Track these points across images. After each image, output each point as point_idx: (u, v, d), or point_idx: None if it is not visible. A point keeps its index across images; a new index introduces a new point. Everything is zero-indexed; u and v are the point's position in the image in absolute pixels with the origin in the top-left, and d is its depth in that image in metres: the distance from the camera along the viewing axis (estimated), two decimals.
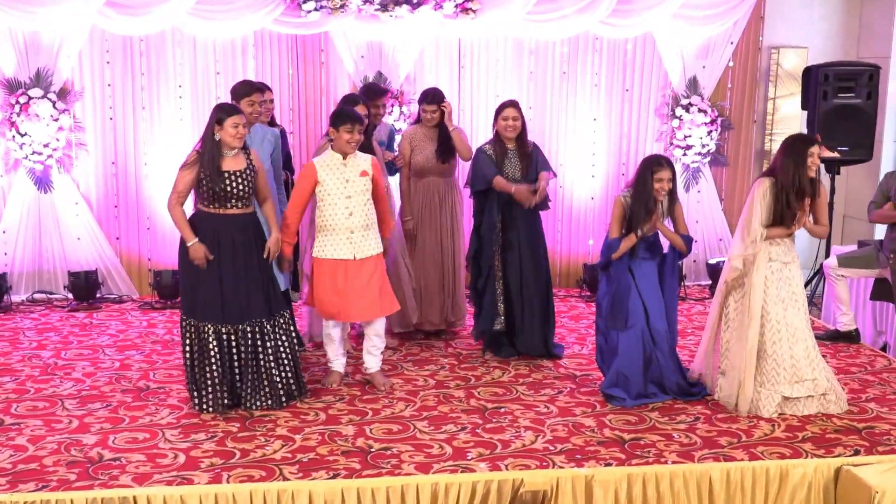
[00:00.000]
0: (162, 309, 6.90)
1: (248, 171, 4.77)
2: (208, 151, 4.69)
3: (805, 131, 7.25)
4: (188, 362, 4.80)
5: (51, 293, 7.19)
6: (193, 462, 4.16)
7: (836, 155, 7.04)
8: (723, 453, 4.33)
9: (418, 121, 6.06)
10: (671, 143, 7.74)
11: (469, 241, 5.86)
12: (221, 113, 4.69)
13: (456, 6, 7.05)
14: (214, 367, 4.73)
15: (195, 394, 4.79)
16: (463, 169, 6.07)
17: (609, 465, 4.18)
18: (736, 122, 7.90)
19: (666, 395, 5.02)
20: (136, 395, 5.05)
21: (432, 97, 5.92)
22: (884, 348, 6.24)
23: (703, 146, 7.76)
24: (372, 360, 5.25)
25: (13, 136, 6.92)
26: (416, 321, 6.08)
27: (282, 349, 4.86)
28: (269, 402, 4.81)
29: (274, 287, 4.94)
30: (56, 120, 6.93)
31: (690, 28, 7.56)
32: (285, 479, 3.99)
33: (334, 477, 4.01)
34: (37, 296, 7.17)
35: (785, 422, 4.72)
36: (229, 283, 4.74)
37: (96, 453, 4.24)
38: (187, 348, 4.79)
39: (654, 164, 4.95)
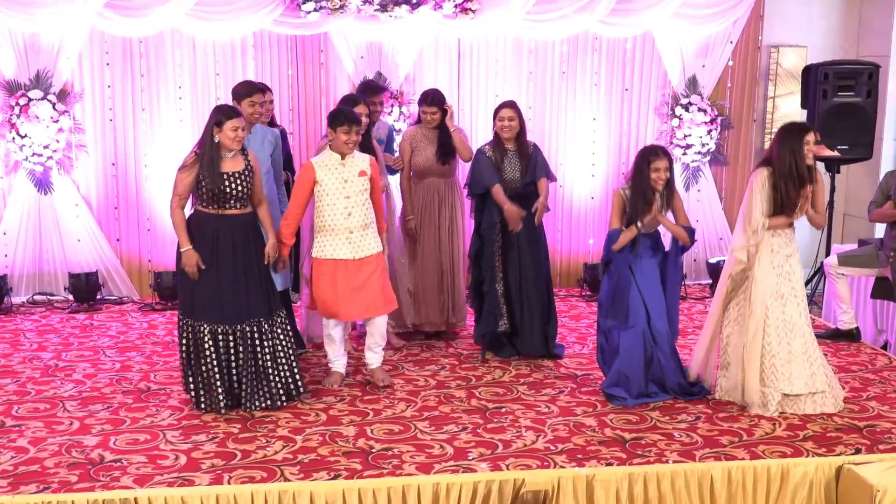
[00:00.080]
0: (162, 310, 6.90)
1: (246, 172, 4.78)
2: (207, 153, 4.70)
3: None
4: (185, 362, 4.81)
5: (51, 295, 7.19)
6: (194, 463, 4.16)
7: (835, 153, 7.04)
8: (724, 452, 4.33)
9: (418, 122, 6.06)
10: (671, 143, 7.73)
11: (470, 241, 5.86)
12: (221, 115, 4.70)
13: (455, 6, 7.05)
14: (212, 367, 4.73)
15: (192, 394, 4.81)
16: (464, 169, 6.07)
17: (610, 464, 4.18)
18: (736, 121, 7.90)
19: (667, 395, 5.02)
20: (137, 396, 5.05)
21: (432, 99, 5.92)
22: (884, 346, 6.24)
23: (703, 145, 7.77)
24: (373, 357, 5.27)
25: (13, 138, 6.92)
26: (410, 323, 6.08)
27: (280, 349, 4.86)
28: (269, 402, 4.82)
29: (272, 287, 4.95)
30: (56, 121, 6.93)
31: (690, 27, 7.56)
32: (286, 479, 3.99)
33: (335, 478, 4.01)
34: (37, 297, 7.17)
35: (786, 421, 4.72)
36: (228, 283, 4.75)
37: (97, 455, 4.24)
38: (184, 348, 4.80)
39: (650, 154, 4.95)
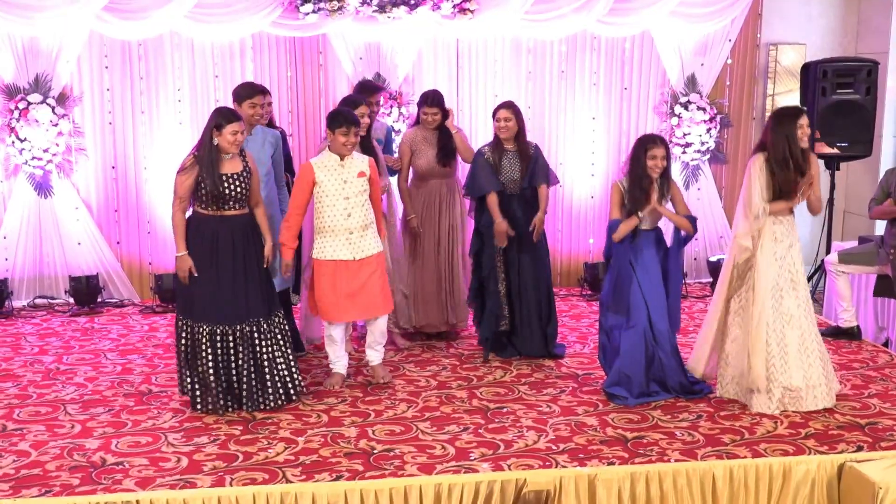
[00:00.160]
0: (163, 313, 6.90)
1: (245, 174, 4.80)
2: (206, 155, 4.70)
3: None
4: (183, 363, 4.83)
5: (52, 298, 7.19)
6: (196, 465, 4.16)
7: (835, 151, 7.04)
8: (726, 451, 4.33)
9: (416, 123, 6.06)
10: (671, 142, 7.73)
11: (471, 241, 5.86)
12: (221, 118, 4.71)
13: (453, 7, 7.06)
14: (209, 367, 4.74)
15: (190, 394, 4.82)
16: (464, 170, 6.07)
17: (612, 463, 4.18)
18: (735, 119, 7.90)
19: (668, 394, 5.02)
20: (139, 398, 5.05)
21: (433, 99, 5.92)
22: (886, 344, 6.23)
23: (703, 144, 7.77)
24: (374, 354, 5.29)
25: (13, 142, 6.92)
26: (402, 325, 6.06)
27: (278, 349, 4.88)
28: (269, 403, 4.83)
29: (271, 287, 4.97)
30: (55, 125, 6.94)
31: (688, 26, 7.56)
32: (288, 481, 3.99)
33: (337, 479, 4.01)
34: (38, 301, 7.18)
35: (788, 419, 4.72)
36: (228, 283, 4.76)
37: (99, 458, 4.24)
38: (183, 348, 4.81)
39: (648, 142, 4.95)
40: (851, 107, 6.99)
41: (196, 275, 4.75)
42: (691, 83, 7.73)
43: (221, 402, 4.76)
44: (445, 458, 4.23)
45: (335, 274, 5.04)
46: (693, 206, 7.72)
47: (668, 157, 4.96)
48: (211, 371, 4.74)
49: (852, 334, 6.09)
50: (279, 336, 4.90)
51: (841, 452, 4.29)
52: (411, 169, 6.04)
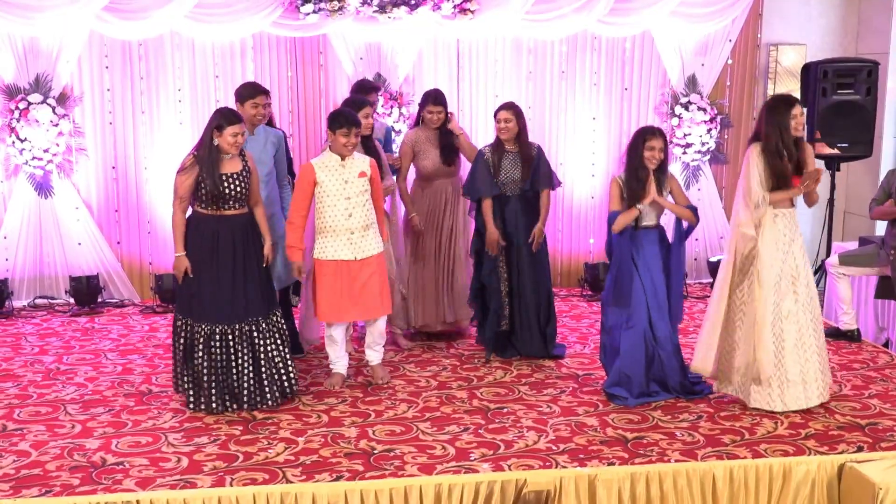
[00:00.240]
0: (164, 313, 6.90)
1: (244, 173, 4.82)
2: (207, 155, 4.72)
3: (805, 128, 7.24)
4: (180, 361, 4.85)
5: (52, 298, 7.19)
6: (196, 465, 4.16)
7: (835, 151, 7.04)
8: (726, 451, 4.33)
9: (417, 124, 6.06)
10: (671, 142, 7.73)
11: (472, 241, 5.86)
12: (222, 120, 4.72)
13: (454, 7, 7.06)
14: (205, 366, 4.75)
15: (184, 392, 4.85)
16: (466, 169, 6.07)
17: (612, 464, 4.18)
18: (735, 119, 7.90)
19: (669, 394, 5.02)
20: (139, 399, 5.05)
21: (437, 98, 5.92)
22: (886, 344, 6.24)
23: (703, 144, 7.77)
24: (374, 355, 5.30)
25: (13, 142, 6.92)
26: (400, 327, 6.07)
27: (275, 348, 4.89)
28: (269, 401, 4.84)
29: (270, 286, 4.98)
30: (56, 125, 6.94)
31: (689, 26, 7.56)
32: (288, 481, 3.99)
33: (337, 479, 4.01)
34: (38, 301, 7.18)
35: (788, 419, 4.72)
36: (228, 283, 4.77)
37: (99, 458, 4.24)
38: (181, 347, 4.83)
39: (646, 133, 4.94)
40: (852, 107, 6.99)
41: (192, 276, 4.76)
42: (692, 83, 7.73)
43: (215, 402, 4.76)
44: (446, 459, 4.23)
45: (336, 274, 5.04)
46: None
47: (665, 149, 4.96)
48: (205, 370, 4.75)
49: (852, 337, 6.09)
50: (277, 335, 4.91)
51: (841, 453, 4.29)
52: (416, 170, 6.04)
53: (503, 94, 7.44)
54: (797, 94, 7.41)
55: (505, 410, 4.87)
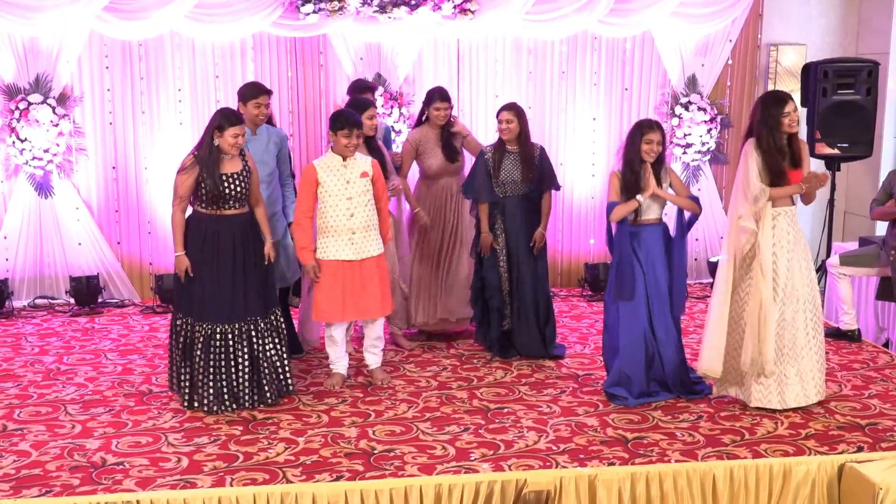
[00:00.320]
0: (164, 313, 6.89)
1: (244, 173, 4.82)
2: (207, 155, 4.72)
3: (805, 128, 7.24)
4: (178, 360, 4.87)
5: (52, 298, 7.19)
6: (196, 466, 4.16)
7: (835, 152, 7.04)
8: (726, 451, 4.33)
9: (419, 123, 6.06)
10: (671, 142, 7.73)
11: (473, 240, 5.87)
12: (223, 120, 4.73)
13: (454, 7, 7.06)
14: (201, 366, 4.76)
15: (177, 389, 4.89)
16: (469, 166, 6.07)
17: (612, 464, 4.18)
18: (735, 119, 7.90)
19: (669, 393, 5.01)
20: (139, 399, 5.05)
21: (442, 94, 5.93)
22: (886, 345, 6.24)
23: (703, 144, 7.77)
24: (373, 358, 5.30)
25: (13, 142, 6.92)
26: (400, 325, 6.07)
27: (273, 346, 4.91)
28: (268, 400, 4.87)
29: (269, 285, 4.99)
30: (56, 125, 6.94)
31: (689, 26, 7.56)
32: (289, 481, 3.99)
33: (338, 479, 4.01)
34: (38, 301, 7.18)
35: (788, 419, 4.72)
36: (228, 283, 4.79)
37: (99, 458, 4.24)
38: (180, 346, 4.84)
39: (644, 126, 4.92)
40: (852, 107, 6.98)
41: (192, 275, 4.77)
42: (692, 84, 7.73)
43: (213, 401, 4.77)
44: (446, 459, 4.23)
45: (336, 274, 5.04)
46: None
47: (663, 142, 4.94)
48: (202, 369, 4.76)
49: (852, 337, 6.08)
50: (276, 334, 4.93)
51: (841, 453, 4.29)
52: (420, 169, 6.06)
53: (503, 95, 7.44)
54: (797, 95, 7.43)
55: (505, 410, 4.87)
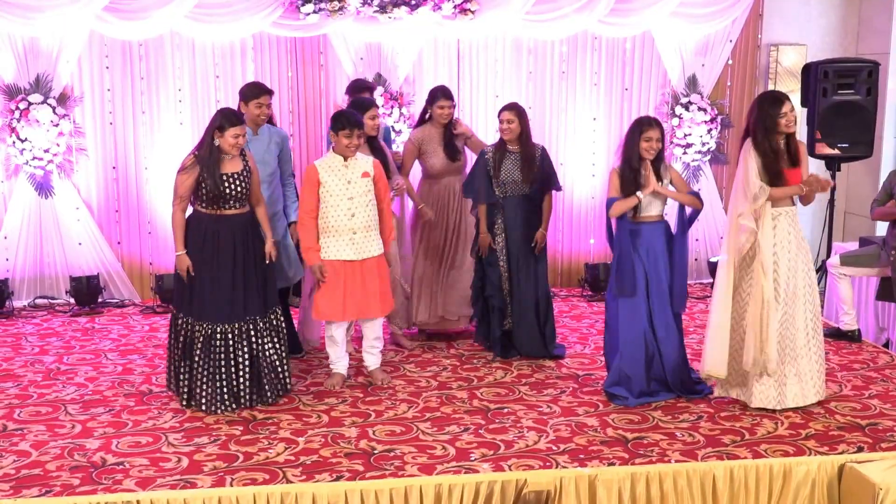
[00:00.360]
0: (164, 313, 6.89)
1: (245, 173, 4.83)
2: (208, 155, 4.73)
3: (805, 128, 7.24)
4: (177, 359, 4.88)
5: (52, 298, 7.19)
6: (197, 466, 4.16)
7: (835, 152, 7.04)
8: (726, 451, 4.33)
9: (421, 123, 6.06)
10: (671, 142, 7.73)
11: (473, 239, 5.88)
12: (224, 121, 4.73)
13: (454, 7, 7.06)
14: (199, 365, 4.77)
15: (174, 389, 4.91)
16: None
17: (612, 464, 4.18)
18: (736, 119, 7.90)
19: (670, 393, 5.01)
20: (139, 399, 5.05)
21: (446, 93, 5.95)
22: (886, 345, 6.24)
23: (703, 144, 7.77)
24: (372, 359, 5.31)
25: (13, 142, 6.92)
26: (401, 325, 6.07)
27: (272, 345, 4.92)
28: (268, 398, 4.88)
29: (269, 284, 4.99)
30: (56, 125, 6.94)
31: (689, 26, 7.56)
32: (289, 481, 3.99)
33: (338, 479, 4.01)
34: (38, 301, 7.18)
35: (788, 419, 4.72)
36: (228, 282, 4.80)
37: (99, 458, 4.24)
38: (180, 345, 4.85)
39: (643, 124, 4.91)
40: (852, 108, 6.98)
41: (193, 274, 4.77)
42: (692, 84, 7.73)
43: (212, 400, 4.77)
44: (446, 459, 4.23)
45: (338, 274, 5.05)
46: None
47: (662, 139, 4.94)
48: (201, 368, 4.78)
49: (853, 337, 6.08)
50: (275, 333, 4.94)
51: (841, 453, 4.29)
52: (423, 168, 6.06)
53: (503, 95, 7.44)
54: (798, 95, 7.43)
55: (505, 411, 4.87)
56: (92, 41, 7.05)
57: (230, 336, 4.80)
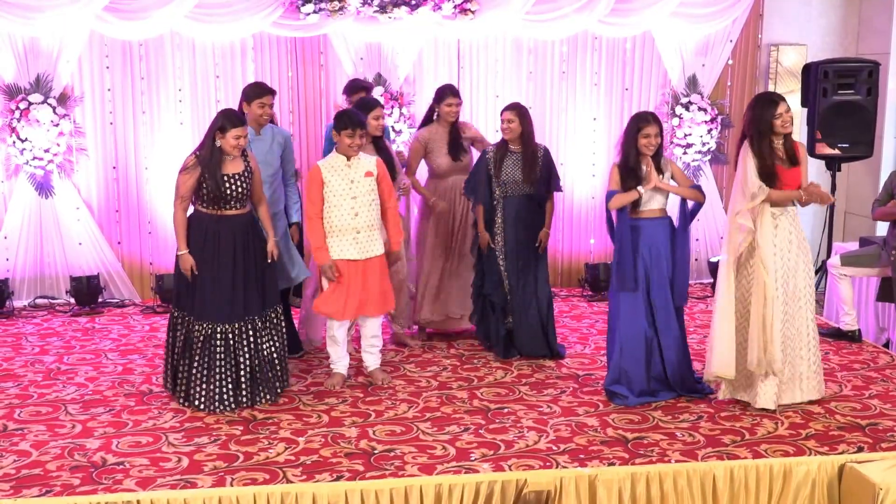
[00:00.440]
0: (164, 313, 6.88)
1: (246, 174, 4.83)
2: (209, 156, 4.73)
3: (805, 128, 7.25)
4: (177, 356, 4.89)
5: (53, 298, 7.19)
6: (197, 465, 4.16)
7: (836, 152, 7.04)
8: (726, 451, 4.33)
9: (427, 122, 6.06)
10: (671, 142, 7.73)
11: (473, 238, 5.88)
12: (226, 122, 4.74)
13: (454, 7, 7.06)
14: (196, 364, 4.78)
15: (170, 387, 4.94)
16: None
17: (612, 464, 4.18)
18: (736, 120, 7.88)
19: (671, 392, 5.00)
20: (139, 398, 5.05)
21: (453, 90, 5.97)
22: (886, 345, 6.23)
23: (704, 144, 7.77)
24: (371, 359, 5.31)
25: (14, 142, 6.92)
26: (403, 324, 6.07)
27: (271, 344, 4.94)
28: (268, 397, 4.90)
29: (269, 284, 4.99)
30: (56, 125, 6.94)
31: (689, 26, 7.56)
32: (289, 481, 3.99)
33: (338, 479, 4.01)
34: (39, 301, 7.17)
35: (788, 419, 4.72)
36: (228, 283, 4.81)
37: (100, 458, 4.24)
38: (179, 344, 4.86)
39: (641, 121, 4.91)
40: (852, 108, 6.98)
41: (197, 273, 4.78)
42: (692, 84, 7.73)
43: (211, 399, 4.78)
44: (446, 459, 4.23)
45: (342, 273, 5.05)
46: None
47: (661, 134, 4.93)
48: (199, 368, 4.78)
49: (853, 338, 6.08)
50: (274, 332, 4.96)
51: (841, 453, 4.29)
52: (429, 168, 6.08)
53: (503, 95, 7.44)
54: (798, 95, 7.43)
55: (505, 411, 4.87)
56: (92, 41, 7.05)
57: (230, 336, 4.80)
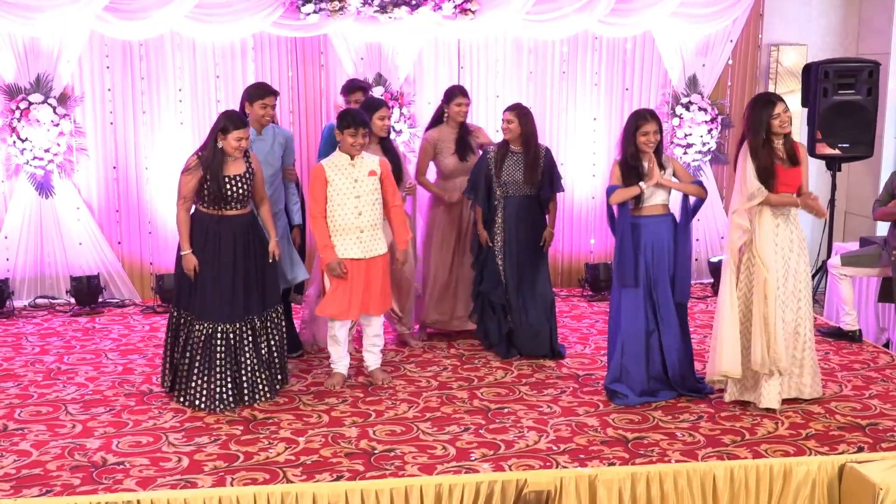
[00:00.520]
0: (164, 313, 6.88)
1: (247, 175, 4.84)
2: (211, 157, 4.74)
3: (805, 128, 7.25)
4: (177, 356, 4.89)
5: (53, 298, 7.19)
6: (197, 465, 4.16)
7: (836, 152, 7.04)
8: (726, 451, 4.33)
9: (435, 123, 6.06)
10: (671, 142, 7.73)
11: (473, 238, 5.89)
12: (228, 123, 4.74)
13: (455, 7, 7.06)
14: (203, 364, 4.79)
15: (168, 386, 4.96)
16: None
17: (613, 464, 4.18)
18: (736, 120, 7.88)
19: (671, 391, 5.00)
20: (140, 398, 5.05)
21: (463, 90, 5.98)
22: (886, 345, 6.23)
23: (704, 144, 7.77)
24: (372, 358, 5.31)
25: (14, 142, 6.92)
26: (409, 325, 6.08)
27: (272, 344, 4.95)
28: (269, 396, 4.91)
29: (269, 284, 5.00)
30: (56, 125, 6.94)
31: (689, 26, 7.56)
32: (289, 481, 3.99)
33: (338, 479, 4.01)
34: (39, 301, 7.17)
35: (788, 419, 4.72)
36: (228, 283, 4.81)
37: (100, 458, 4.24)
38: (179, 343, 4.87)
39: (639, 119, 4.91)
40: (852, 108, 6.98)
41: (198, 272, 4.79)
42: (692, 84, 7.73)
43: (207, 398, 4.79)
44: (446, 459, 4.23)
45: (345, 272, 5.04)
46: None
47: (660, 130, 4.93)
48: (199, 367, 4.79)
49: (853, 338, 6.08)
50: (275, 331, 4.97)
51: (842, 453, 4.29)
52: (437, 169, 6.09)
53: (504, 95, 7.44)
54: (798, 95, 7.43)
55: (505, 410, 4.87)
56: (92, 41, 7.05)
57: (230, 336, 4.81)
